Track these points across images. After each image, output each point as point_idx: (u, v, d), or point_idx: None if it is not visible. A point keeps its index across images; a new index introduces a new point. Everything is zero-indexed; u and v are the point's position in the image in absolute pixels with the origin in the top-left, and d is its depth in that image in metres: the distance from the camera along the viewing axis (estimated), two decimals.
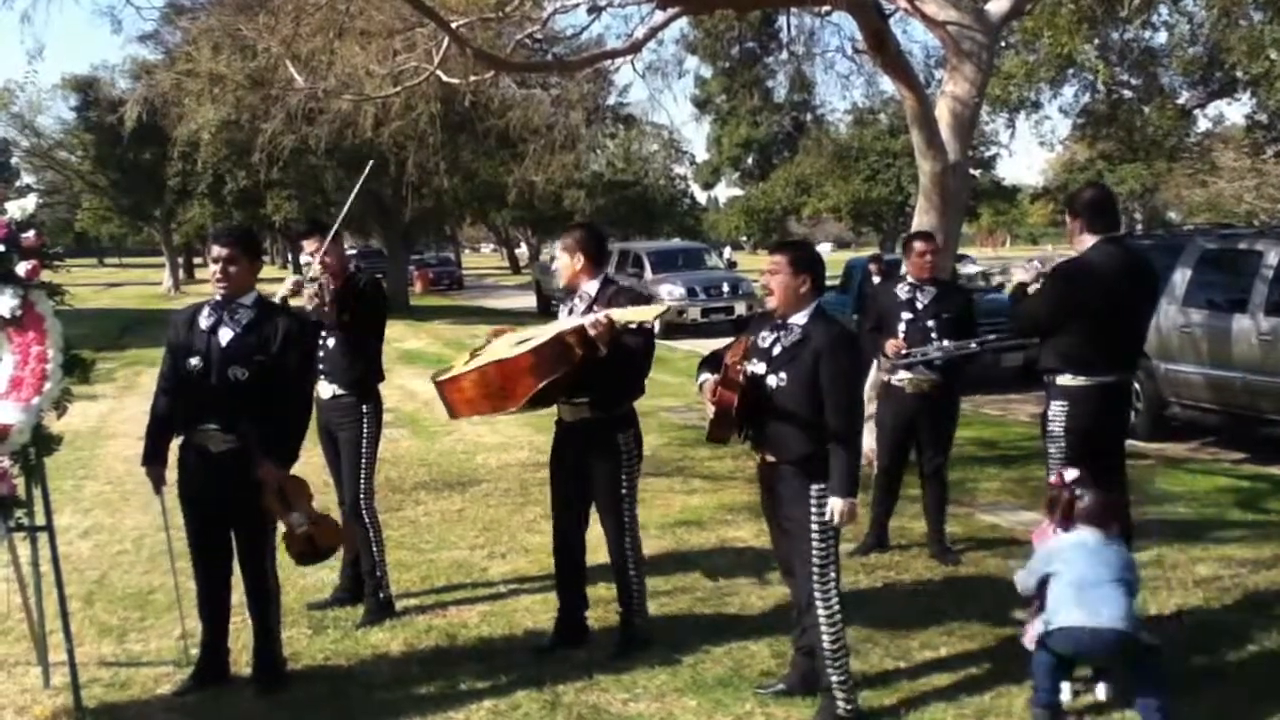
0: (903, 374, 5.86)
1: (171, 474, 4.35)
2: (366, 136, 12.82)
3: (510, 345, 4.29)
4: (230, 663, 4.51)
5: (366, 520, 5.16)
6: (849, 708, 3.90)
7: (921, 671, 4.38)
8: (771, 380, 3.90)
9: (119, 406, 12.09)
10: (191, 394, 4.21)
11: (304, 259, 5.21)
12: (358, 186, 5.71)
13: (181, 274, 43.50)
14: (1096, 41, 17.61)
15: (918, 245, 5.94)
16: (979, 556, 5.93)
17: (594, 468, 4.56)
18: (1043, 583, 3.87)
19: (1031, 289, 4.76)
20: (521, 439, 9.60)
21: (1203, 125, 25.86)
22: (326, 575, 5.46)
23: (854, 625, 4.38)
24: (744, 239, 55.56)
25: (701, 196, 59.20)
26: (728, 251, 41.43)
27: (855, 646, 4.23)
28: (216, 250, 4.25)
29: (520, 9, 9.18)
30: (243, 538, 4.31)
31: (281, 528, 4.32)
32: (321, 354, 5.03)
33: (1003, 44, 14.50)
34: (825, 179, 36.81)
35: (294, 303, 4.89)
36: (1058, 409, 4.60)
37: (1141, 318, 4.83)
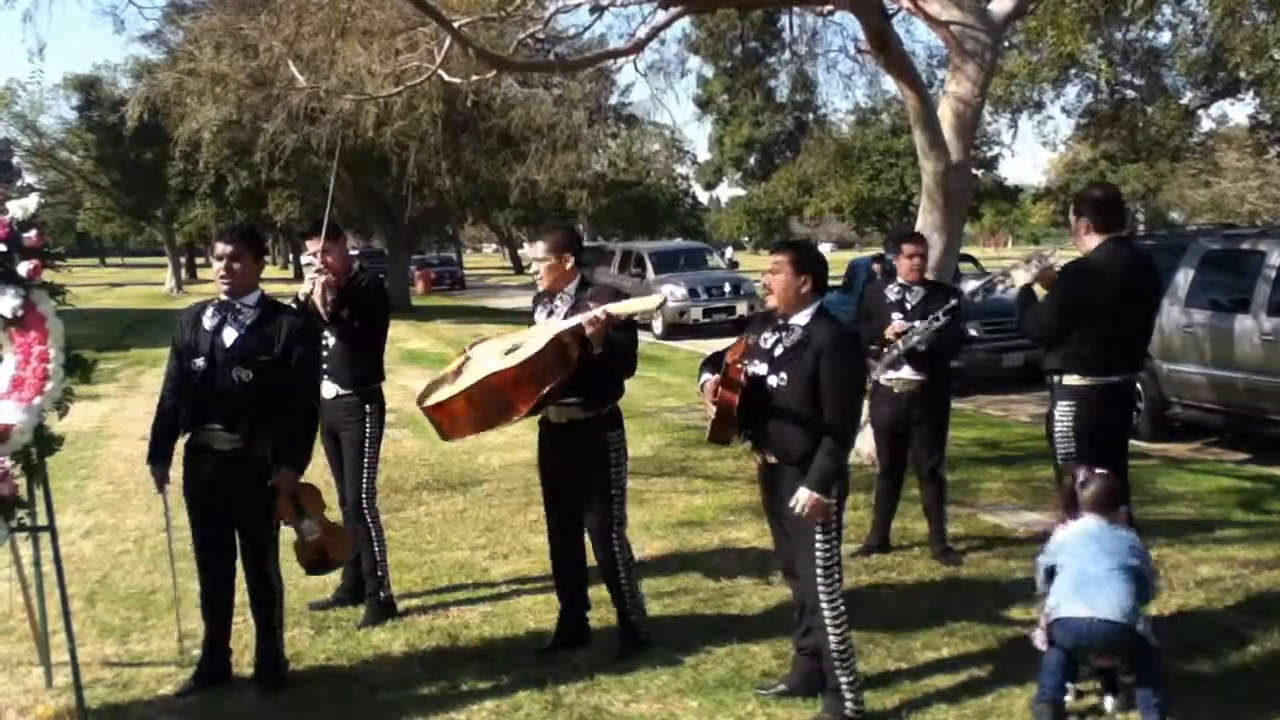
0: (891, 373, 5.89)
1: (176, 473, 4.36)
2: (368, 136, 12.84)
3: (499, 355, 4.18)
4: (232, 663, 4.51)
5: (368, 520, 5.17)
6: (856, 708, 3.89)
7: (923, 672, 4.38)
8: (772, 380, 3.89)
9: (121, 406, 12.10)
10: (196, 394, 4.23)
11: (305, 259, 5.23)
12: (334, 167, 5.69)
13: (184, 274, 43.56)
14: (1100, 41, 17.58)
15: (906, 247, 6.03)
16: (981, 557, 5.93)
17: (585, 468, 4.53)
18: (1051, 575, 3.88)
19: (1035, 287, 4.74)
20: (523, 439, 9.56)
21: (1206, 125, 25.92)
22: (328, 575, 5.44)
23: (856, 626, 4.36)
24: (746, 239, 55.51)
25: (703, 196, 59.32)
26: (729, 252, 41.44)
27: (858, 647, 4.22)
28: (221, 248, 4.28)
29: (523, 8, 9.17)
30: (246, 538, 4.32)
31: (293, 536, 4.32)
32: (324, 353, 5.03)
33: (1005, 44, 14.47)
34: (828, 179, 36.72)
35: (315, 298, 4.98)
36: (1064, 409, 4.59)
37: (1148, 318, 4.81)
